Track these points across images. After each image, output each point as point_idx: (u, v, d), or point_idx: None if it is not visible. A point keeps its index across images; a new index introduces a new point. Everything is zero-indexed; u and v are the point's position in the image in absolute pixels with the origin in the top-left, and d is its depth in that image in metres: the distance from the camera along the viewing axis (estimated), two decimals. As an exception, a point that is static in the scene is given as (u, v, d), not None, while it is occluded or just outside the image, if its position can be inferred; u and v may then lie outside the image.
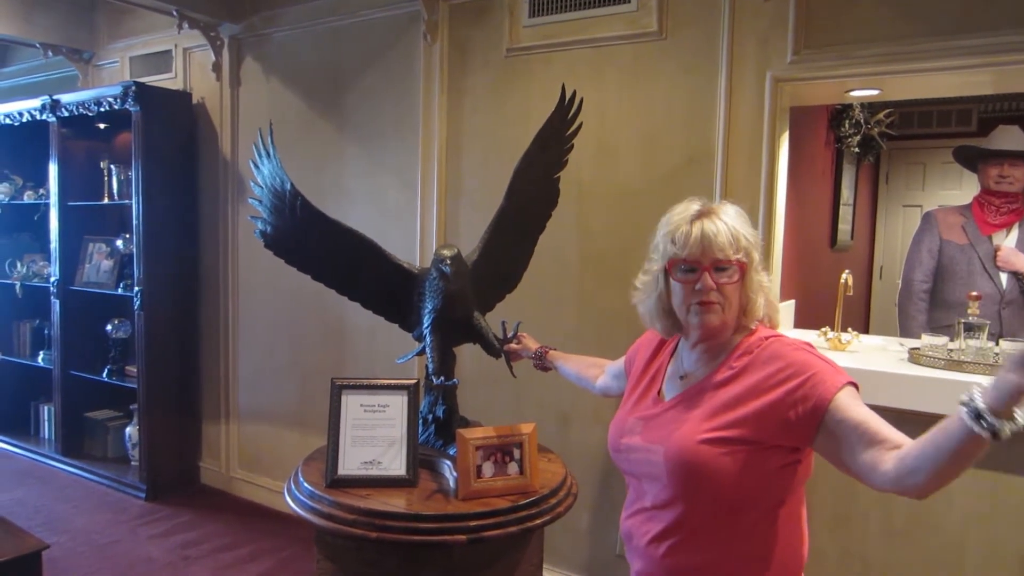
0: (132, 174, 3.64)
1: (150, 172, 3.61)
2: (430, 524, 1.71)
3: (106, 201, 3.97)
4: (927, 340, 2.24)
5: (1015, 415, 0.94)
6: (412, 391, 1.96)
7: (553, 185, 2.15)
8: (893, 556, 2.14)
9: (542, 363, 2.05)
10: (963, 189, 4.98)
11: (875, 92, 2.34)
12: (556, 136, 2.07)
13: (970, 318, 2.22)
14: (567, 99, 2.00)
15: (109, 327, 3.96)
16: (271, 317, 3.63)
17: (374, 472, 1.89)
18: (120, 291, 3.85)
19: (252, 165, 2.02)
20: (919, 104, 4.84)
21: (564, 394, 2.75)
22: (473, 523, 1.71)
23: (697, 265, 1.29)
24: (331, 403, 1.94)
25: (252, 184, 2.03)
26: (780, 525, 1.28)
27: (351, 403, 1.95)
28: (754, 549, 1.28)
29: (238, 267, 3.73)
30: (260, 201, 2.02)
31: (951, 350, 2.19)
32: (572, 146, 2.12)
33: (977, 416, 0.95)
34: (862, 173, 4.57)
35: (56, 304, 4.04)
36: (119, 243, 3.87)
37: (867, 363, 2.20)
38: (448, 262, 1.84)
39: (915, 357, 2.24)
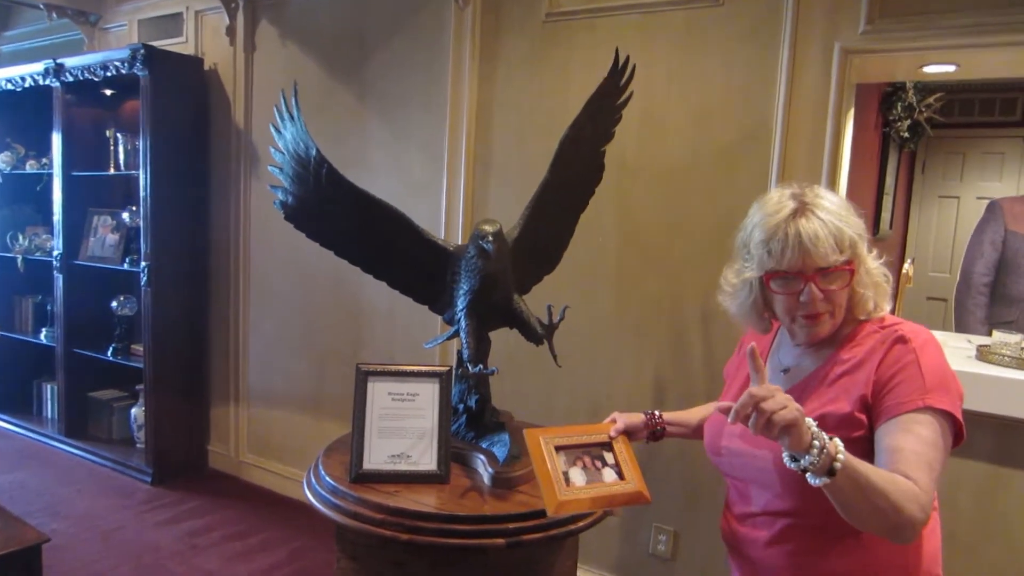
0: (139, 143, 3.46)
1: (158, 141, 3.43)
2: (466, 526, 1.56)
3: (112, 172, 3.80)
4: (998, 337, 2.07)
5: (812, 448, 0.96)
6: (445, 379, 1.80)
7: (599, 158, 1.99)
8: (955, 569, 1.97)
9: (657, 434, 1.57)
10: (1003, 181, 4.78)
11: (951, 68, 2.14)
12: (607, 105, 1.91)
13: (1046, 314, 2.05)
14: (620, 64, 1.84)
15: (114, 304, 3.80)
16: (284, 296, 3.47)
17: (402, 467, 1.74)
18: (126, 266, 3.68)
19: (273, 129, 1.85)
20: (961, 91, 4.63)
21: (598, 383, 2.59)
22: (512, 525, 1.56)
23: (799, 276, 1.15)
24: (356, 391, 1.78)
25: (272, 151, 1.87)
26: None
27: (378, 391, 1.80)
28: (894, 556, 1.15)
29: (250, 242, 3.56)
30: (281, 169, 1.86)
31: (1025, 348, 2.02)
32: (621, 116, 1.95)
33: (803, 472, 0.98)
34: (901, 161, 4.38)
35: (59, 279, 3.87)
36: (125, 216, 3.70)
37: (934, 360, 2.02)
38: (490, 238, 1.67)
39: (984, 355, 2.06)
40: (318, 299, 3.34)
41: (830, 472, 0.95)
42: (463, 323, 1.82)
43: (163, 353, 3.56)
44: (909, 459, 1.03)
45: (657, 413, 1.55)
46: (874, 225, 3.69)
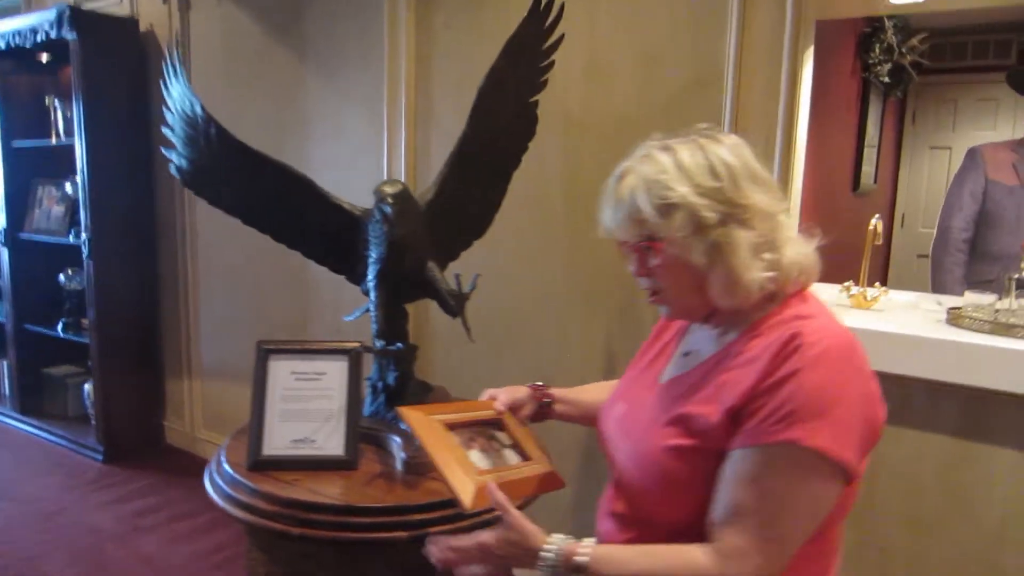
0: (74, 110, 3.27)
1: (94, 107, 3.24)
2: (364, 518, 1.43)
3: (54, 141, 3.61)
4: (971, 298, 1.90)
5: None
6: (354, 356, 1.66)
7: (529, 111, 1.81)
8: (918, 548, 1.85)
9: (545, 408, 1.38)
10: (998, 130, 4.55)
11: (920, -1, 1.93)
12: (530, 48, 1.72)
13: (1023, 273, 1.87)
14: (542, 5, 1.65)
15: (62, 277, 3.66)
16: (231, 266, 3.31)
17: (306, 452, 1.60)
18: (72, 239, 3.52)
19: (162, 86, 1.69)
20: (953, 33, 4.38)
21: (546, 354, 2.43)
22: (416, 517, 1.42)
23: (619, 244, 1.06)
24: (255, 371, 1.65)
25: (164, 110, 1.70)
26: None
27: (280, 370, 1.66)
28: None
29: (196, 211, 3.39)
30: (172, 130, 1.70)
31: (998, 311, 1.84)
32: (552, 63, 1.77)
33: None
34: (888, 110, 4.15)
35: (4, 253, 3.73)
36: (69, 187, 3.53)
37: (898, 325, 1.86)
38: (390, 200, 1.51)
39: (955, 318, 1.89)
40: (265, 268, 3.18)
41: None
42: (371, 294, 1.67)
43: (110, 327, 3.42)
44: (733, 518, 0.87)
45: (543, 385, 1.37)
46: (854, 179, 3.48)
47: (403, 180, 1.61)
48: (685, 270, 0.96)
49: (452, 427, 1.19)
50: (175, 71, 1.63)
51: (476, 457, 1.17)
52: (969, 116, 4.70)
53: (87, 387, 3.67)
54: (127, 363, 3.52)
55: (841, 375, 0.87)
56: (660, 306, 1.04)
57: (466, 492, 1.05)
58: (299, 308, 3.08)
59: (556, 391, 1.36)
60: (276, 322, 3.19)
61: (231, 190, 1.74)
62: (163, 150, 1.73)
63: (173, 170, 1.73)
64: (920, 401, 1.80)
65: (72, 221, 3.58)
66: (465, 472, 1.08)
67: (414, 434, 1.14)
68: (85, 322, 3.62)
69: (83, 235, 3.32)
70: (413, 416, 1.19)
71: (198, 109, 1.61)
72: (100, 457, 3.44)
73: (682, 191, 0.94)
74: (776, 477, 0.85)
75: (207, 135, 1.63)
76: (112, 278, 3.41)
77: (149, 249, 3.57)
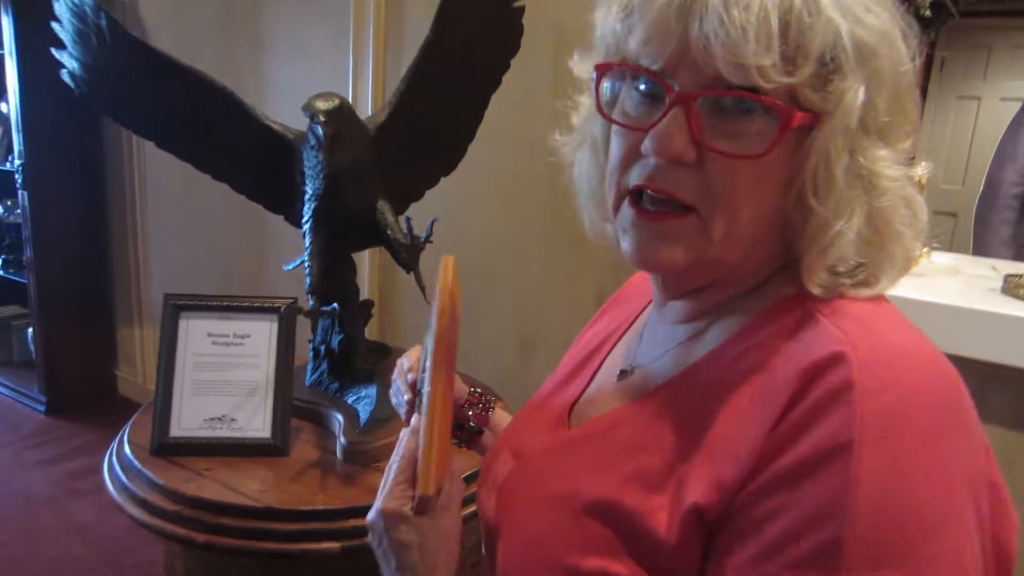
0: (2, 18, 2.87)
1: (26, 13, 2.84)
2: (286, 525, 1.14)
3: (-15, 53, 3.22)
4: (1033, 264, 1.59)
5: None
6: (285, 316, 1.35)
7: (512, 18, 1.45)
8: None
9: (469, 434, 0.92)
10: (1033, 79, 4.18)
11: None
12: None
13: (1099, 235, 1.55)
14: None
15: (1, 209, 3.31)
16: (186, 202, 2.96)
17: (224, 433, 1.31)
18: (8, 166, 3.16)
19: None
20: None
21: (528, 308, 2.13)
22: (351, 523, 1.14)
23: (662, 82, 0.49)
24: (163, 331, 1.33)
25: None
26: None
27: (194, 332, 1.36)
28: None
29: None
30: (61, 24, 1.35)
31: (1064, 279, 1.54)
32: (542, -43, 1.40)
33: None
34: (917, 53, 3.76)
35: (-64, 181, 3.37)
36: (4, 107, 3.15)
37: (942, 294, 1.55)
38: (322, 118, 1.17)
39: (1011, 287, 1.58)
40: (222, 207, 2.84)
41: None
42: (306, 240, 1.35)
43: (52, 265, 3.10)
44: None
45: (488, 400, 0.92)
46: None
47: (342, 95, 1.27)
48: (776, 181, 0.49)
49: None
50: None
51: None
52: (1004, 65, 4.31)
53: (31, 330, 3.36)
54: (73, 306, 3.21)
55: (943, 461, 0.42)
56: (653, 240, 0.52)
57: (441, 470, 0.64)
58: (257, 252, 2.76)
59: (499, 414, 0.91)
60: (232, 268, 2.87)
61: (135, 103, 1.42)
62: (53, 51, 1.38)
63: (65, 76, 1.39)
64: (969, 385, 1.51)
65: (9, 147, 3.21)
66: (445, 449, 0.66)
67: (431, 361, 0.71)
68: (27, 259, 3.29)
69: (16, 161, 2.97)
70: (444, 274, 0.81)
71: (85, -5, 1.26)
72: (42, 408, 3.16)
73: (888, 30, 0.49)
74: None
75: (98, 30, 1.29)
76: (52, 211, 3.08)
77: (95, 181, 3.22)
